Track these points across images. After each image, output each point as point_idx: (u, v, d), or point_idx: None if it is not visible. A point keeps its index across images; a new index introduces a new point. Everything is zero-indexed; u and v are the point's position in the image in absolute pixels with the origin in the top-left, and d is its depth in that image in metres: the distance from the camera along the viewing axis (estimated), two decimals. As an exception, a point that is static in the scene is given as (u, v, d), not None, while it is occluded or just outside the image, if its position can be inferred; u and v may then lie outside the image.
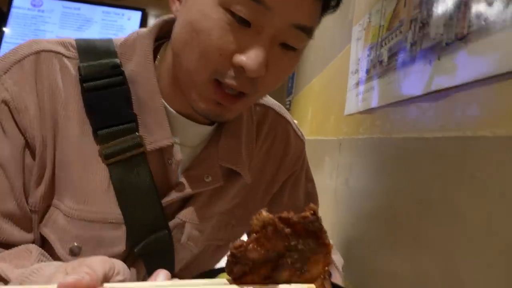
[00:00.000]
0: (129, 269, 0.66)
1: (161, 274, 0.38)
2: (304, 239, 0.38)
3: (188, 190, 0.65)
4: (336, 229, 1.01)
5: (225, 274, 0.40)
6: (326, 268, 0.65)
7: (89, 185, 0.57)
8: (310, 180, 0.87)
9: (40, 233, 0.57)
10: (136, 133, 0.60)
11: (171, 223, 0.65)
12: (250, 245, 0.36)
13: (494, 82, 0.42)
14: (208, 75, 0.53)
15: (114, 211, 0.59)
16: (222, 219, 0.76)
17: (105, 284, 0.35)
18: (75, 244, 0.57)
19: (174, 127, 0.63)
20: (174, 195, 0.64)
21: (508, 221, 0.37)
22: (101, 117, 0.58)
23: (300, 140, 0.83)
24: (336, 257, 0.77)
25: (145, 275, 0.69)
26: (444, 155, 0.50)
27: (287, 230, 0.37)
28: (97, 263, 0.37)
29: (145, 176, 0.60)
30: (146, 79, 0.61)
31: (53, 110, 0.56)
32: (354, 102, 1.00)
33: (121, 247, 0.61)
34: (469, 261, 0.43)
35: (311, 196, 0.87)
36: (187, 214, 0.67)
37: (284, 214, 0.36)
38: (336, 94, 1.23)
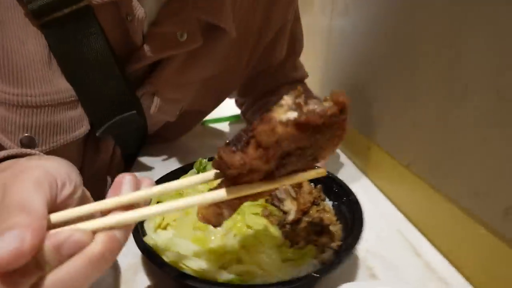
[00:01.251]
0: (98, 149, 0.57)
1: (125, 183, 0.28)
2: (323, 134, 0.28)
3: (156, 53, 0.51)
4: (329, 72, 0.90)
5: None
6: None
7: (20, 60, 0.42)
8: (297, 18, 0.74)
9: None
10: (74, -23, 0.42)
11: (139, 92, 0.53)
12: (254, 162, 0.25)
13: None
14: None
15: (62, 87, 0.46)
16: (208, 84, 0.65)
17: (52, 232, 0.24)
18: (25, 134, 0.45)
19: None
20: (139, 62, 0.51)
21: None
22: None
23: None
24: None
25: (115, 146, 0.61)
26: None
27: (305, 134, 0.26)
28: (30, 193, 0.24)
29: (96, 39, 0.45)
30: None
31: None
32: None
33: (83, 129, 0.50)
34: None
35: (295, 36, 0.75)
36: (157, 82, 0.55)
37: (303, 118, 0.25)
38: None
